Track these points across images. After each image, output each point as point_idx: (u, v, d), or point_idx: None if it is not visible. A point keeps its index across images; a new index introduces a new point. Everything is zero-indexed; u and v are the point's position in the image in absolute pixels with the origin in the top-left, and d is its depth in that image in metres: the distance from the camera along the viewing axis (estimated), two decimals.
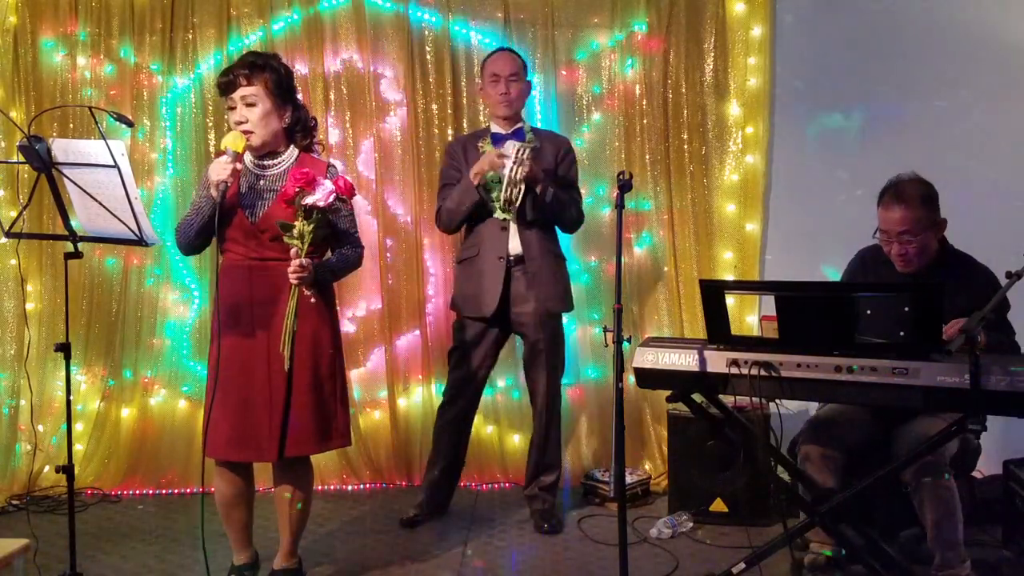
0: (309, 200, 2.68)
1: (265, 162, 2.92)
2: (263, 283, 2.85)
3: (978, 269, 3.05)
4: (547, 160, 3.60)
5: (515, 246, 3.59)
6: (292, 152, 2.95)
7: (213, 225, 2.78)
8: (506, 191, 3.39)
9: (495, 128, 3.68)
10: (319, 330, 2.91)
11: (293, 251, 2.73)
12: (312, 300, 2.82)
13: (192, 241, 2.93)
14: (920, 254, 3.02)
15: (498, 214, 3.56)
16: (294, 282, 2.76)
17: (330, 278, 2.95)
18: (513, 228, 3.59)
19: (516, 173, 3.37)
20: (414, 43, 4.17)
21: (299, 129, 2.96)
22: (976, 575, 2.90)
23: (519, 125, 3.67)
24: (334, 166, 2.99)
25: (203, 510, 2.85)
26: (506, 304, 3.61)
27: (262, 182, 2.90)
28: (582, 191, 4.23)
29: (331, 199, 2.71)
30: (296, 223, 2.72)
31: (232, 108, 2.86)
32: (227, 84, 2.85)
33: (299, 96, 3.02)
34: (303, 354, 2.87)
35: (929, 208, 3.01)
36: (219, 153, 2.82)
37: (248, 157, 2.93)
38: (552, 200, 3.50)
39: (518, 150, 3.38)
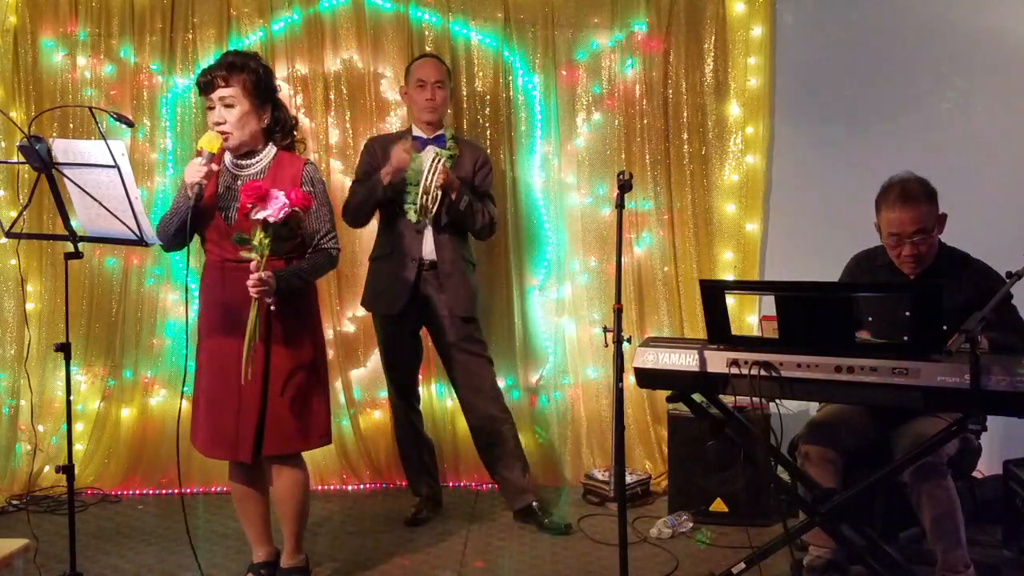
0: (260, 215, 2.65)
1: (242, 162, 2.92)
2: (236, 285, 2.81)
3: (975, 266, 3.03)
4: (465, 168, 3.67)
5: (428, 250, 3.62)
6: (270, 151, 2.94)
7: (187, 227, 2.77)
8: (421, 198, 3.43)
9: (417, 132, 3.71)
10: (297, 331, 2.90)
11: (252, 264, 2.70)
12: (272, 308, 2.77)
13: (170, 240, 2.93)
14: (930, 253, 3.00)
15: (411, 217, 3.58)
16: (254, 296, 2.72)
17: (299, 283, 2.89)
18: (427, 232, 3.62)
19: (431, 182, 3.41)
20: (414, 43, 4.16)
21: (278, 129, 2.96)
22: None
23: (441, 131, 3.71)
24: (311, 163, 2.98)
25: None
26: (416, 304, 3.64)
27: (239, 182, 2.88)
28: (580, 191, 4.24)
29: (282, 214, 2.65)
30: (253, 236, 2.69)
31: (211, 108, 2.87)
32: (206, 84, 2.86)
33: (279, 96, 3.02)
34: (280, 356, 2.87)
35: (934, 204, 2.99)
36: (198, 153, 2.81)
37: (227, 156, 2.93)
38: (466, 208, 3.55)
39: (434, 159, 3.43)
